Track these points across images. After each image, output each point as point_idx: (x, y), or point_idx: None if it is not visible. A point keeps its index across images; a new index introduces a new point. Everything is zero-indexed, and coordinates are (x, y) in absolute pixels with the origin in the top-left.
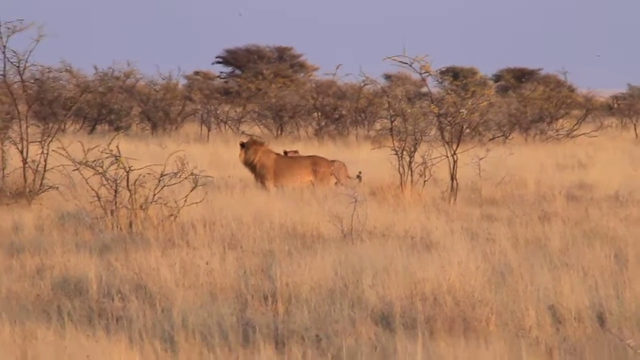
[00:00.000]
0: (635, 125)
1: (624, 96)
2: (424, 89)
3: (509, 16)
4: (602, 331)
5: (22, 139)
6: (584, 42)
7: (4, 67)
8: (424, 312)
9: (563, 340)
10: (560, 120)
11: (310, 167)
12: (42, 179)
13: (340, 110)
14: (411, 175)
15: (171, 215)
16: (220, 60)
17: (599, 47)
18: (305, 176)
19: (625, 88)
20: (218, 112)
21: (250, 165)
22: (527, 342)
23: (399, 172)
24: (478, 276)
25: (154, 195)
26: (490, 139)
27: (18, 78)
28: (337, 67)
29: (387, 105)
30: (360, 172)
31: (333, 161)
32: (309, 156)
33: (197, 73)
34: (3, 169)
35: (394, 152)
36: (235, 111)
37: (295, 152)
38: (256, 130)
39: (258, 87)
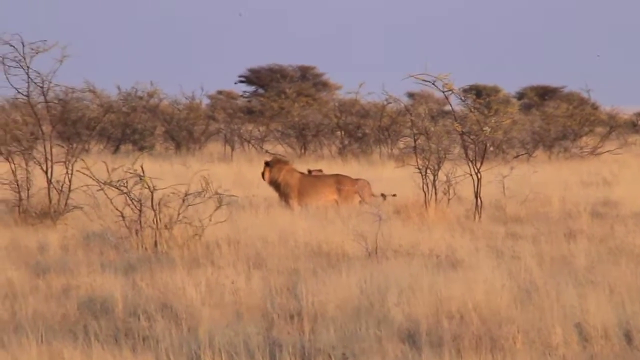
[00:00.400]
0: None
1: None
2: (447, 107)
3: (532, 34)
4: (630, 349)
5: (46, 159)
6: (607, 59)
7: (28, 87)
8: (450, 330)
9: (590, 358)
10: (584, 138)
11: (334, 186)
12: (67, 199)
13: (364, 129)
14: (435, 193)
15: (196, 234)
16: (243, 79)
17: (622, 63)
18: (329, 195)
19: None
20: (241, 131)
21: (274, 184)
22: None
23: (423, 190)
24: (504, 294)
25: (179, 214)
26: (514, 157)
27: (42, 98)
28: (360, 86)
29: (410, 123)
30: (395, 194)
31: (357, 180)
32: (333, 175)
33: (220, 92)
34: (28, 190)
35: (417, 170)
36: (259, 130)
37: (320, 171)
38: (279, 149)
39: (281, 106)
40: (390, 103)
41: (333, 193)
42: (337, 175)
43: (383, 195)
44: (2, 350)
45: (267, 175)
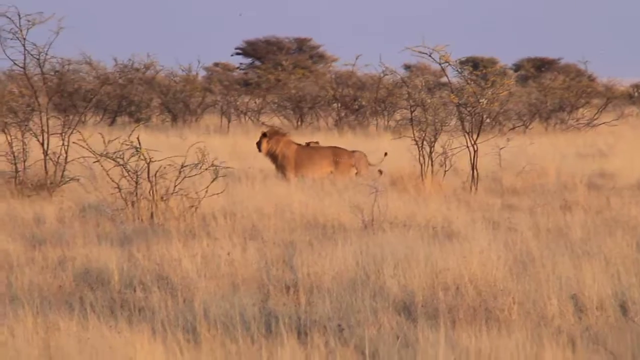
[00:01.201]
0: None
1: None
2: (444, 79)
3: (529, 5)
4: (625, 320)
5: (42, 131)
6: (604, 30)
7: (24, 59)
8: (446, 302)
9: (585, 329)
10: (581, 110)
11: (331, 158)
12: (63, 170)
13: (360, 101)
14: (432, 165)
15: (192, 206)
16: (240, 51)
17: (618, 35)
18: (326, 167)
19: None
20: (238, 103)
21: (271, 155)
22: (549, 331)
23: (420, 162)
24: (500, 266)
25: (175, 186)
26: (511, 129)
27: (38, 70)
28: (357, 58)
29: (406, 95)
30: (386, 153)
31: (354, 152)
32: (330, 147)
33: (216, 64)
34: (24, 161)
35: (414, 142)
36: (255, 102)
37: (316, 143)
38: (276, 121)
39: (277, 78)
40: (386, 75)
41: (330, 165)
42: (334, 147)
43: (380, 171)
44: None
45: (264, 146)
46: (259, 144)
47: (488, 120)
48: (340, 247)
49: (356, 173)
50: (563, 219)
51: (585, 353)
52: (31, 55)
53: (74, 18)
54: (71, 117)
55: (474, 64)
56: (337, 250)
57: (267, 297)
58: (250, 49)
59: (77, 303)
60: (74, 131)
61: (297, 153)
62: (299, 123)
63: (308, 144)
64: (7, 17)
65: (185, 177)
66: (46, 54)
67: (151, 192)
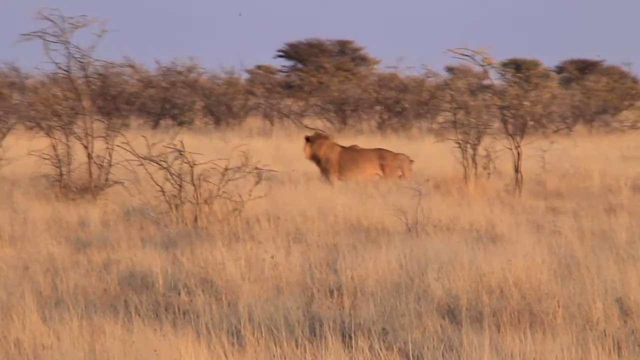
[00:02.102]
0: None
1: None
2: (486, 81)
3: (572, 7)
4: None
5: (86, 134)
6: None
7: (68, 62)
8: (490, 305)
9: (631, 333)
10: (625, 112)
11: (376, 161)
12: (107, 174)
13: (403, 104)
14: (475, 168)
15: (235, 209)
16: (282, 54)
17: None
18: (370, 169)
19: None
20: (280, 106)
21: (315, 159)
22: (594, 335)
23: (463, 165)
24: (544, 269)
25: (219, 189)
26: (554, 131)
27: (82, 73)
28: (399, 60)
29: (449, 98)
30: (412, 160)
31: (398, 154)
32: (375, 149)
33: (259, 67)
34: (68, 165)
35: (457, 145)
36: (298, 105)
37: (355, 146)
38: (319, 124)
39: (320, 80)
40: (429, 77)
41: (375, 168)
42: (379, 149)
43: (411, 161)
44: (43, 324)
45: (307, 150)
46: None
47: (531, 122)
48: (384, 251)
49: (400, 175)
50: (607, 222)
51: (631, 356)
52: (74, 58)
53: (117, 21)
54: (115, 120)
55: (517, 66)
56: (380, 254)
57: (311, 301)
58: (292, 52)
59: (121, 306)
60: (118, 134)
61: (341, 156)
62: (342, 126)
63: (350, 147)
64: (51, 20)
65: (228, 180)
66: (89, 57)
67: (195, 195)
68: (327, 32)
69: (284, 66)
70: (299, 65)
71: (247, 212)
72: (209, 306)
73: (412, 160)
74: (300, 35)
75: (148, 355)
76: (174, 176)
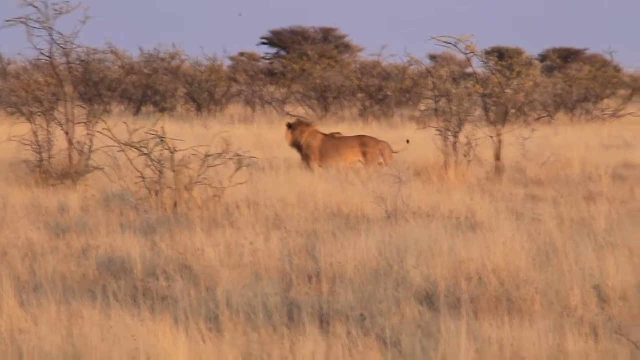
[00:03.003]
0: None
1: None
2: (469, 70)
3: None
4: None
5: (68, 120)
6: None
7: (51, 49)
8: (469, 292)
9: (608, 320)
10: (606, 100)
11: (358, 148)
12: (88, 160)
13: (385, 91)
14: (456, 155)
15: (216, 196)
16: (265, 41)
17: None
18: (352, 157)
19: None
20: (263, 93)
21: (297, 146)
22: (572, 321)
23: (444, 152)
24: (523, 256)
25: (199, 176)
26: (536, 119)
27: (64, 60)
28: (382, 48)
29: (432, 85)
30: (408, 140)
31: (380, 141)
32: (358, 136)
33: (242, 54)
34: (49, 150)
35: (438, 132)
36: (280, 92)
37: (338, 134)
38: (301, 111)
39: (303, 68)
40: (412, 65)
41: (356, 155)
42: (361, 136)
43: (407, 141)
44: (21, 309)
45: (289, 137)
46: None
47: (513, 110)
48: (363, 237)
49: (380, 163)
50: (587, 209)
51: (608, 343)
52: (57, 44)
53: (100, 7)
54: (96, 106)
55: (500, 55)
56: (360, 241)
57: (290, 287)
58: (276, 39)
59: (100, 292)
60: (99, 120)
61: (323, 143)
62: (324, 113)
63: (332, 135)
64: (34, 6)
65: (209, 166)
66: (72, 44)
67: (175, 181)
68: (311, 19)
69: (267, 53)
70: (282, 53)
71: (227, 198)
72: (188, 292)
73: (395, 152)
74: (284, 22)
75: (126, 341)
76: (154, 162)
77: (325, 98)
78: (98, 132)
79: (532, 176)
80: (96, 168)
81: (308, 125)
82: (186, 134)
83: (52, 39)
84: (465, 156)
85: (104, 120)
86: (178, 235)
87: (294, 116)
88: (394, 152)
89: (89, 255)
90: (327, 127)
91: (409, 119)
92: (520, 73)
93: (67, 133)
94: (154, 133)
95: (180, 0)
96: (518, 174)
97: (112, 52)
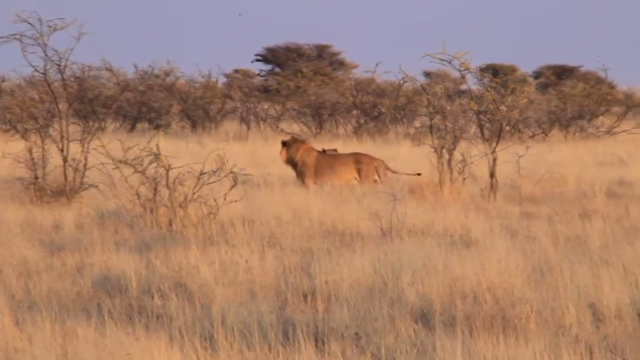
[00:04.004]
0: None
1: None
2: (464, 87)
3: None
4: None
5: (62, 137)
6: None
7: (45, 65)
8: (464, 310)
9: (603, 338)
10: (601, 117)
11: (353, 165)
12: (83, 177)
13: (380, 108)
14: (450, 173)
15: (210, 213)
16: (260, 58)
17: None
18: (347, 174)
19: None
20: (257, 110)
21: (292, 163)
22: (567, 340)
23: (438, 169)
24: (518, 274)
25: (194, 193)
26: (530, 137)
27: (59, 76)
28: (377, 65)
29: (426, 102)
30: (419, 174)
31: (374, 158)
32: (352, 154)
33: (236, 71)
34: (44, 168)
35: (433, 149)
36: (275, 109)
37: (334, 150)
38: (295, 128)
39: (297, 84)
40: (406, 82)
41: (352, 172)
42: (356, 153)
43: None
44: (16, 327)
45: (284, 154)
46: (281, 154)
47: (507, 127)
48: (358, 255)
49: (375, 180)
50: (582, 227)
51: None
52: (52, 61)
53: (95, 24)
54: (91, 123)
55: (494, 71)
56: (355, 258)
57: (285, 305)
58: (270, 56)
59: (95, 310)
60: (94, 138)
61: (318, 160)
62: (319, 130)
63: (324, 152)
64: (29, 23)
65: (204, 184)
66: (67, 60)
67: (170, 199)
68: (305, 36)
69: (261, 70)
70: (277, 70)
71: (222, 216)
72: (183, 310)
73: (394, 172)
74: (279, 39)
75: (121, 359)
76: (149, 180)
77: (320, 115)
78: (93, 149)
79: (526, 193)
80: (91, 185)
81: (302, 142)
82: (181, 151)
83: (47, 55)
84: (460, 173)
85: (98, 138)
86: (173, 253)
87: (289, 133)
88: (394, 172)
89: (84, 273)
90: (322, 144)
91: (403, 136)
92: (515, 90)
93: (61, 150)
94: (148, 150)
95: (175, 17)
96: (513, 191)
97: (107, 68)
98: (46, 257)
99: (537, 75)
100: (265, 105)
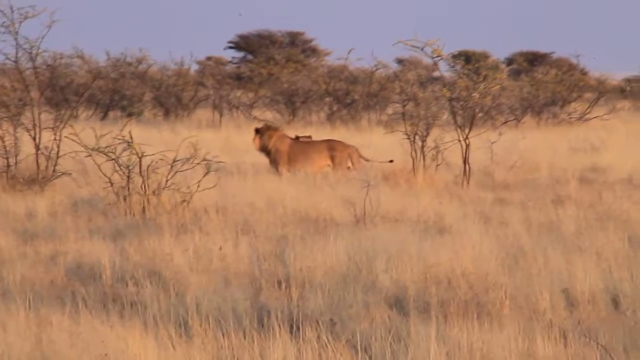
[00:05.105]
0: None
1: (636, 79)
2: (436, 73)
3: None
4: (616, 314)
5: (34, 125)
6: (596, 25)
7: (16, 53)
8: (438, 296)
9: (577, 323)
10: (573, 104)
11: (326, 152)
12: (55, 165)
13: (352, 95)
14: (423, 159)
15: (184, 201)
16: (232, 45)
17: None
18: (321, 161)
19: (637, 71)
20: (230, 97)
21: (265, 151)
22: (541, 325)
23: (412, 156)
24: (491, 260)
25: (167, 181)
26: (503, 123)
27: (30, 64)
28: (349, 52)
29: (399, 89)
30: (392, 160)
31: (348, 145)
32: (325, 140)
33: (209, 58)
34: (16, 156)
35: (406, 136)
36: (248, 96)
37: (309, 137)
38: (268, 115)
39: (270, 72)
40: (379, 69)
41: (325, 159)
42: (329, 140)
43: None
44: None
45: (257, 142)
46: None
47: (480, 114)
48: (332, 242)
49: (348, 167)
50: (555, 213)
51: (577, 347)
52: (23, 49)
53: (66, 11)
54: (63, 111)
55: (467, 58)
56: (329, 245)
57: (259, 292)
58: (243, 43)
59: (69, 297)
60: (66, 125)
61: (291, 147)
62: (292, 117)
63: (298, 138)
64: (0, 10)
65: (177, 171)
66: (38, 48)
67: (143, 186)
68: (277, 23)
69: (234, 57)
70: (250, 57)
71: (196, 203)
72: (157, 297)
73: (367, 160)
74: (251, 26)
75: (95, 346)
76: (122, 167)
77: (293, 102)
78: (65, 137)
79: (499, 180)
80: (64, 173)
81: (276, 129)
82: (154, 138)
83: (18, 43)
84: (433, 160)
85: (71, 125)
86: (147, 240)
87: (262, 120)
88: (366, 160)
89: (58, 261)
90: (296, 131)
91: (376, 123)
92: (487, 77)
93: (34, 138)
94: (121, 138)
95: (147, 5)
96: (486, 177)
97: (79, 56)
98: (19, 245)
99: (510, 61)
100: (238, 93)
